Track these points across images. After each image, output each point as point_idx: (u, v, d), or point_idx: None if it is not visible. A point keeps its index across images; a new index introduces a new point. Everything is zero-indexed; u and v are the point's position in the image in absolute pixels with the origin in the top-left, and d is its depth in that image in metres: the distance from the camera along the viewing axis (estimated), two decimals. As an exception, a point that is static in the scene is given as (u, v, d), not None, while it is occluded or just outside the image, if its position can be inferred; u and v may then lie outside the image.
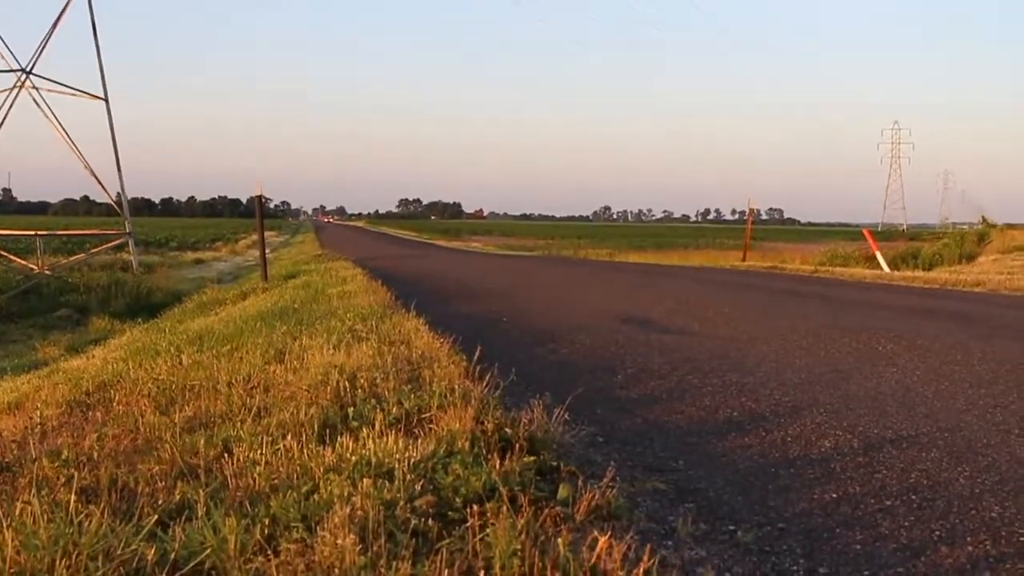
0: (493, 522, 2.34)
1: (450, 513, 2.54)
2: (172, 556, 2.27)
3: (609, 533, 2.26)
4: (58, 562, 2.17)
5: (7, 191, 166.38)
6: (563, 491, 2.73)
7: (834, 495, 3.09)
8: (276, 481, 2.87)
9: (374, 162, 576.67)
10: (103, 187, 28.92)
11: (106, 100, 28.05)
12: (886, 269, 18.06)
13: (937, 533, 2.72)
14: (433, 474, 2.79)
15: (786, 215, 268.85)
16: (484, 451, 3.01)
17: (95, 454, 3.54)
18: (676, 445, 3.77)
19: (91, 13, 28.00)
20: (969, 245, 25.81)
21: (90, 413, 4.70)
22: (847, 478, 3.28)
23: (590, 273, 17.66)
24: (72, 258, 27.12)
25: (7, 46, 26.23)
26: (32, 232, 28.75)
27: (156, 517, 2.55)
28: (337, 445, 3.14)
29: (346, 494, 2.56)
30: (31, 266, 24.34)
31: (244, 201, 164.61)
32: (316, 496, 2.63)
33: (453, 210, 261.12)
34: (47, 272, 23.91)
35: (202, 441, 3.44)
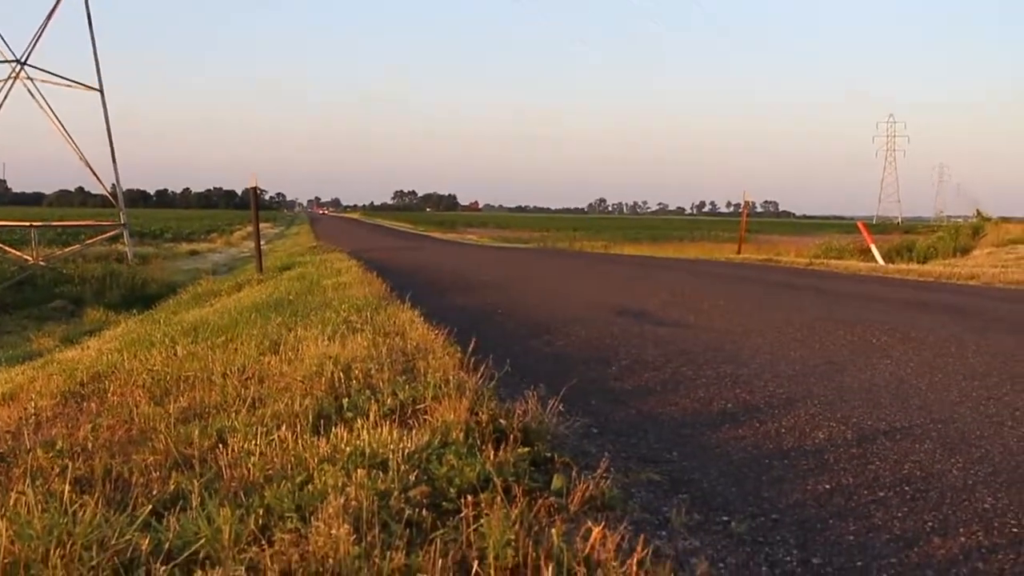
0: (487, 512, 2.34)
1: (444, 503, 2.54)
2: (166, 546, 2.26)
3: (603, 523, 2.26)
4: (52, 552, 2.17)
5: (2, 182, 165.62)
6: (557, 482, 2.73)
7: (828, 486, 3.10)
8: (270, 471, 2.87)
9: (369, 154, 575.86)
10: (98, 178, 28.90)
11: (101, 91, 27.99)
12: (881, 262, 18.08)
13: (930, 524, 2.74)
14: (427, 465, 2.79)
15: (781, 208, 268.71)
16: (478, 442, 3.01)
17: (90, 444, 3.54)
18: (670, 436, 3.78)
19: (86, 4, 27.95)
20: (964, 238, 25.80)
21: (85, 404, 4.69)
22: (841, 469, 3.29)
23: (585, 265, 17.67)
24: (67, 249, 27.05)
25: (2, 37, 26.18)
26: (27, 223, 28.73)
27: (150, 507, 2.54)
28: (332, 436, 3.14)
29: (340, 484, 2.56)
30: (26, 257, 24.30)
31: (239, 193, 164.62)
32: (310, 486, 2.63)
33: (448, 202, 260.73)
34: (42, 263, 23.87)
35: (197, 432, 3.44)
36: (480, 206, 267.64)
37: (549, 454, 3.04)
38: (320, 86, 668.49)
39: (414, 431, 3.14)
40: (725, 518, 2.76)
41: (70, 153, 26.97)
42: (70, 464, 3.12)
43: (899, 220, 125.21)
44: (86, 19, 27.98)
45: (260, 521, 2.39)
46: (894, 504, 2.91)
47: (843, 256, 21.44)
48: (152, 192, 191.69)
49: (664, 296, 9.89)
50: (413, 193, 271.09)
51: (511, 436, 3.03)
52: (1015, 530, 2.68)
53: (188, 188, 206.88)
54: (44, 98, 26.66)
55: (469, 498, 2.44)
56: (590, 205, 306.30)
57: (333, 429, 3.24)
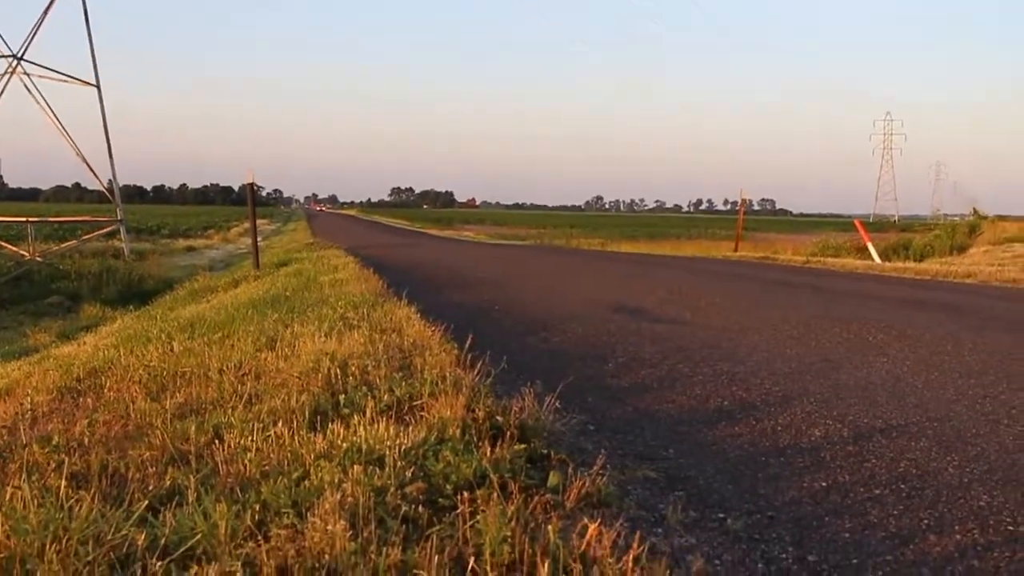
0: (483, 509, 2.34)
1: (440, 500, 2.54)
2: (162, 541, 2.26)
3: (599, 520, 2.26)
4: (48, 547, 2.16)
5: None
6: (553, 479, 2.74)
7: (824, 484, 3.11)
8: (267, 467, 2.87)
9: (367, 151, 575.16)
10: (95, 174, 28.82)
11: (98, 87, 27.96)
12: (877, 260, 18.10)
13: (926, 522, 2.74)
14: (424, 461, 2.79)
15: (778, 206, 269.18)
16: (475, 438, 3.01)
17: (86, 440, 3.53)
18: (667, 434, 3.78)
19: (83, 0, 27.87)
20: (960, 236, 25.84)
21: (81, 399, 4.68)
22: (837, 467, 3.29)
23: (582, 263, 17.67)
24: (63, 245, 27.02)
25: (-2, 31, 26.07)
26: (23, 218, 28.69)
27: (147, 503, 2.54)
28: (328, 432, 3.14)
29: (337, 480, 2.56)
30: (22, 252, 24.26)
31: (236, 189, 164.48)
32: (307, 482, 2.63)
33: (445, 199, 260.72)
34: (38, 259, 23.83)
35: (193, 427, 3.44)
36: (477, 203, 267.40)
37: (545, 451, 3.04)
38: (319, 84, 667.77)
39: (411, 427, 3.14)
40: (721, 515, 2.76)
41: (67, 149, 26.99)
42: (66, 459, 3.12)
43: (896, 218, 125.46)
44: (83, 15, 27.98)
45: (256, 517, 2.39)
46: (890, 502, 2.92)
47: (840, 254, 21.46)
48: (149, 188, 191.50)
49: (661, 293, 9.89)
50: (410, 190, 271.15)
51: (508, 433, 3.03)
52: (1010, 528, 2.69)
53: (185, 184, 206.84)
54: (41, 93, 26.65)
55: (465, 494, 2.43)
56: (587, 202, 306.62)
57: (330, 425, 3.24)
